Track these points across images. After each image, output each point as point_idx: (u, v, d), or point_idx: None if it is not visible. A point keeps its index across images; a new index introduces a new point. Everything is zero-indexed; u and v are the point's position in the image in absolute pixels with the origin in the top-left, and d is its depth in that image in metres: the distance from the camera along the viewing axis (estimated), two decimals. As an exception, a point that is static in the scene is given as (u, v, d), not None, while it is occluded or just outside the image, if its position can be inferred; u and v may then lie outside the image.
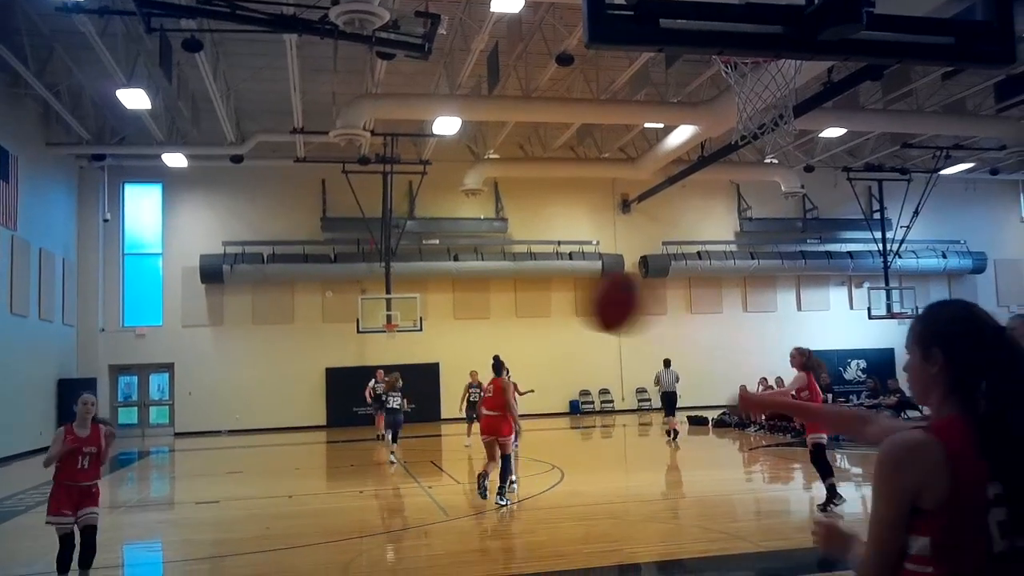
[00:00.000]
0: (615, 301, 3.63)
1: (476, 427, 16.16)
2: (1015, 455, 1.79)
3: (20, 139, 19.87)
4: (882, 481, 1.80)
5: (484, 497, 10.20)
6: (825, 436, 9.62)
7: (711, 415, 22.22)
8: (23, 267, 19.79)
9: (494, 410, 10.47)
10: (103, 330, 24.80)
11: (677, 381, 18.54)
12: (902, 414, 16.80)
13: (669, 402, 18.44)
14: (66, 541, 6.32)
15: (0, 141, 18.68)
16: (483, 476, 10.31)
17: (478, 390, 15.96)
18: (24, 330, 19.90)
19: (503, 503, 10.05)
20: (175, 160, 22.96)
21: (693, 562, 7.49)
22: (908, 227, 27.05)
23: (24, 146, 20.07)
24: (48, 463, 6.40)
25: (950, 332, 1.91)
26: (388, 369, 19.07)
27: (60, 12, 14.24)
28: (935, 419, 1.90)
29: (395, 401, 16.11)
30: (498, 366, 10.89)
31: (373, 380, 19.16)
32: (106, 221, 24.83)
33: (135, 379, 25.56)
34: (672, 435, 17.87)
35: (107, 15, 14.95)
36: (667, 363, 18.93)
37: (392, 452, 16.03)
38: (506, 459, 10.31)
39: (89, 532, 6.35)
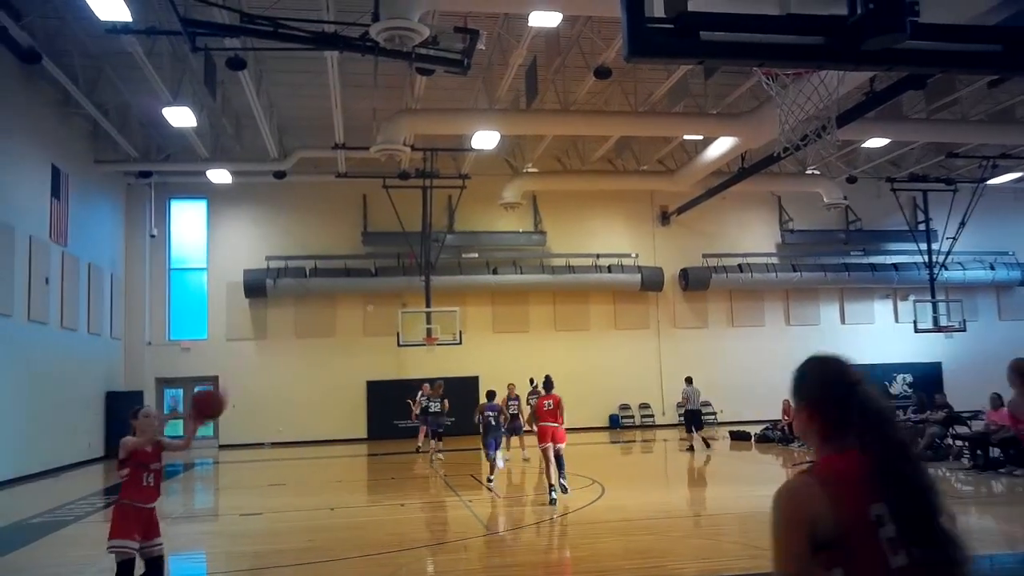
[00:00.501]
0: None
1: (514, 440, 16.76)
2: (893, 481, 2.03)
3: (70, 157, 20.40)
4: (777, 525, 2.02)
5: (554, 502, 11.42)
6: None
7: (754, 430, 21.92)
8: (73, 282, 20.25)
9: (554, 421, 12.02)
10: (149, 343, 25.26)
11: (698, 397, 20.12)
12: (950, 429, 16.43)
13: (697, 419, 19.68)
14: (126, 568, 5.77)
15: (52, 159, 19.20)
16: (551, 487, 11.69)
17: (516, 403, 16.90)
18: (73, 344, 20.35)
19: (567, 491, 11.86)
20: (219, 176, 23.37)
21: (736, 579, 7.39)
22: (954, 238, 26.51)
23: (74, 164, 20.59)
24: (122, 466, 5.95)
25: (813, 387, 2.21)
26: (432, 382, 19.84)
27: (109, 34, 14.61)
28: (817, 460, 2.17)
29: (435, 406, 17.49)
30: (551, 383, 12.63)
31: (420, 393, 19.78)
32: (152, 237, 25.37)
33: (180, 392, 25.96)
34: (707, 445, 19.24)
35: (154, 35, 15.32)
36: (689, 380, 20.11)
37: (435, 454, 16.56)
38: (562, 458, 11.98)
39: (158, 564, 6.00)
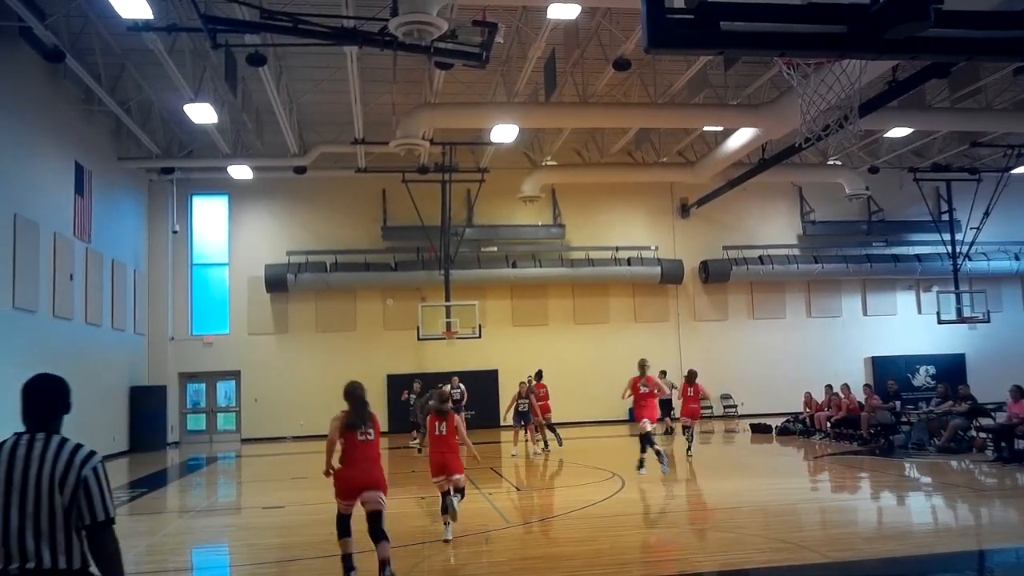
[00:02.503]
0: None
1: (522, 434, 17.27)
2: (357, 417, 7.07)
3: (94, 154, 20.59)
4: (332, 426, 7.03)
5: (547, 449, 18.43)
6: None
7: (774, 423, 21.82)
8: (96, 278, 20.46)
9: (546, 400, 18.69)
10: (172, 339, 25.49)
11: (673, 388, 21.66)
12: (974, 421, 16.28)
13: (667, 407, 21.36)
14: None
15: (76, 157, 19.39)
16: (546, 443, 18.62)
17: (526, 401, 17.58)
18: (98, 339, 20.57)
19: (561, 443, 18.71)
20: (240, 172, 23.52)
21: (757, 572, 7.37)
22: (978, 228, 26.20)
23: (97, 161, 20.79)
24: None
25: (345, 393, 7.24)
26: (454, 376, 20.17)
27: (131, 32, 14.73)
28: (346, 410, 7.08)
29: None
30: (541, 374, 19.31)
31: (448, 386, 20.19)
32: (175, 232, 25.58)
33: (203, 386, 26.21)
34: (669, 432, 21.02)
35: (175, 33, 15.41)
36: (663, 374, 21.53)
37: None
38: (553, 425, 18.88)
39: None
